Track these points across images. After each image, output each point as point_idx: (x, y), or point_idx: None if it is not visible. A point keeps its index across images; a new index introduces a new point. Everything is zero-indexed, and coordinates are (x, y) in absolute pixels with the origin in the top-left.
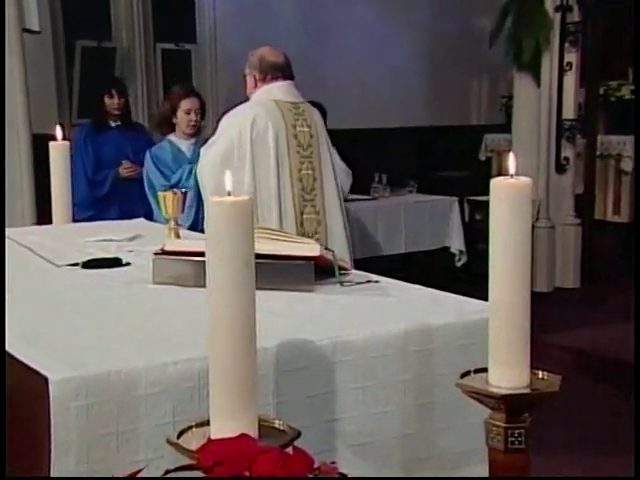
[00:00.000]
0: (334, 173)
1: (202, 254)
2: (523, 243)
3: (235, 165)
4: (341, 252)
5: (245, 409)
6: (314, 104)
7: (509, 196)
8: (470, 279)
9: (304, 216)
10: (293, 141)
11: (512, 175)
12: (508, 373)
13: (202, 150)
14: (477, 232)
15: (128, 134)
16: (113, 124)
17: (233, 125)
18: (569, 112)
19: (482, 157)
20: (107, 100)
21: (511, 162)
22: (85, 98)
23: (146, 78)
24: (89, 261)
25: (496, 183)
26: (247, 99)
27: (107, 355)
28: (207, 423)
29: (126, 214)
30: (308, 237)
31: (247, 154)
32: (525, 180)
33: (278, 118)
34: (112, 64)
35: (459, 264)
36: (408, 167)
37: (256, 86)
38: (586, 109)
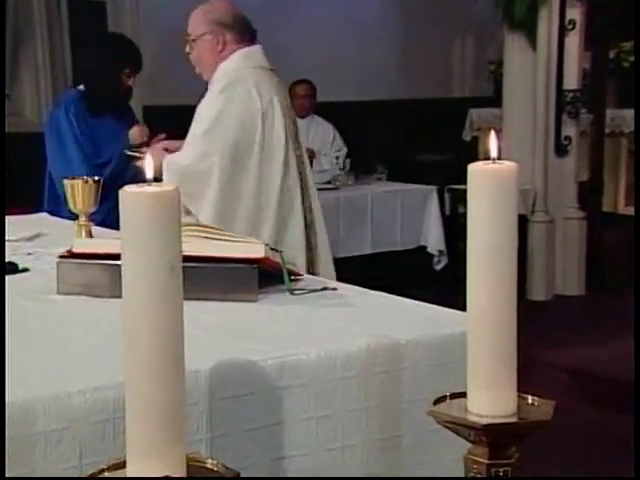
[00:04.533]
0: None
1: (118, 257)
2: (507, 242)
3: (246, 163)
4: (329, 271)
5: (170, 446)
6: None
7: (490, 185)
8: (451, 285)
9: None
10: (291, 125)
11: (494, 159)
12: (491, 398)
13: (187, 142)
14: (460, 228)
15: (123, 120)
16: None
17: (240, 105)
18: (572, 81)
19: (467, 137)
20: (124, 78)
21: (492, 142)
22: None
23: (48, 37)
24: None
25: (474, 169)
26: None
27: None
28: (123, 465)
29: None
30: (312, 251)
31: (255, 145)
32: (509, 165)
33: (278, 92)
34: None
35: (438, 267)
36: (376, 149)
37: (222, 50)
38: (592, 77)
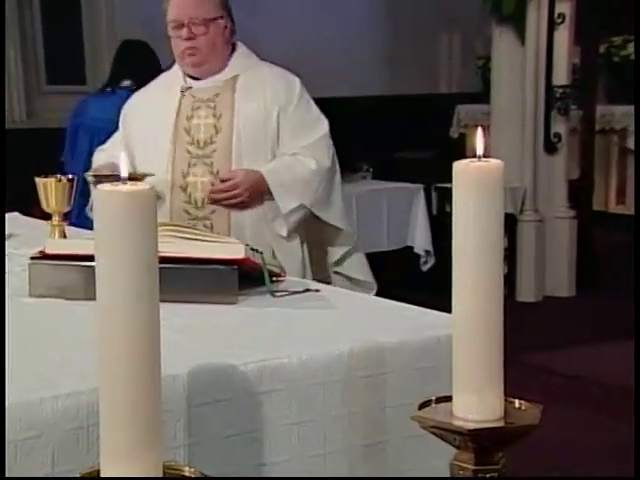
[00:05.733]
0: None
1: (92, 258)
2: (493, 242)
3: None
4: None
5: (146, 453)
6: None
7: (475, 183)
8: (438, 286)
9: None
10: None
11: (480, 157)
12: (477, 402)
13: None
14: (447, 228)
15: None
16: None
17: None
18: (561, 77)
19: (454, 134)
20: None
21: (479, 139)
22: None
23: (19, 29)
24: None
25: (459, 167)
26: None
27: None
28: (97, 473)
29: None
30: None
31: None
32: (495, 163)
33: None
34: None
35: (425, 268)
36: (361, 147)
37: (230, 39)
38: (583, 73)
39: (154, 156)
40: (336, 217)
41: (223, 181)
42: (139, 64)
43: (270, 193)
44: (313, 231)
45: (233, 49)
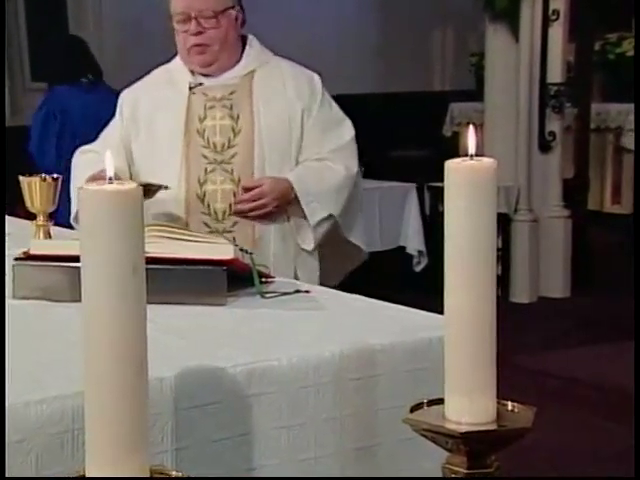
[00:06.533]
0: None
1: (78, 259)
2: (485, 242)
3: None
4: None
5: (132, 457)
6: None
7: (467, 182)
8: (432, 287)
9: None
10: None
11: (472, 155)
12: (469, 405)
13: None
14: (440, 228)
15: None
16: None
17: None
18: (556, 74)
19: (447, 132)
20: None
21: (470, 138)
22: None
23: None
24: None
25: (451, 166)
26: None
27: None
28: (83, 478)
29: None
30: None
31: None
32: (488, 161)
33: None
34: None
35: (418, 268)
36: None
37: (241, 31)
38: (577, 70)
39: (164, 160)
40: (357, 235)
41: (247, 190)
42: (92, 59)
43: (295, 202)
44: (328, 247)
45: (243, 41)
